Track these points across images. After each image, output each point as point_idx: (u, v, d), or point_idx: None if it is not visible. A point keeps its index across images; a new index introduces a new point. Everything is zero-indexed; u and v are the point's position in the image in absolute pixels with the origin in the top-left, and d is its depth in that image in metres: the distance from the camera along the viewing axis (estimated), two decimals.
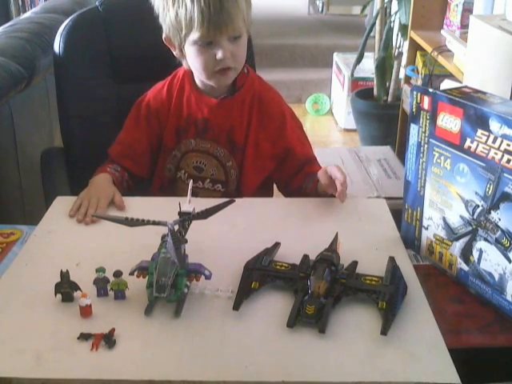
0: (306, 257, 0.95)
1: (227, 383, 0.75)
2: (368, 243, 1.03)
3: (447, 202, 0.96)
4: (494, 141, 0.85)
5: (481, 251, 0.93)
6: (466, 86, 0.99)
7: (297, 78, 3.90)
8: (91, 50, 1.45)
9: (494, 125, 0.85)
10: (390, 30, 2.91)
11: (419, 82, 2.41)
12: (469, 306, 0.95)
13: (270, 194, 1.41)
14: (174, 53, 1.25)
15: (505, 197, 0.86)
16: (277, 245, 0.99)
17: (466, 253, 0.95)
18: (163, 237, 0.90)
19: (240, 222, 1.10)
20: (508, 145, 0.84)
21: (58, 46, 1.42)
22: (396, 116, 2.69)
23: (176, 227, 0.89)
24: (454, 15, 2.27)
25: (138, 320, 0.85)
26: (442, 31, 2.19)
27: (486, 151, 0.87)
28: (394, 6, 2.95)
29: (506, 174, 0.85)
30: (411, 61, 2.54)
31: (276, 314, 0.85)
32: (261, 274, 0.92)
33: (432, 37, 2.28)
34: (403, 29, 2.76)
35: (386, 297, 0.86)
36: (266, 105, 1.29)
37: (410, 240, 1.06)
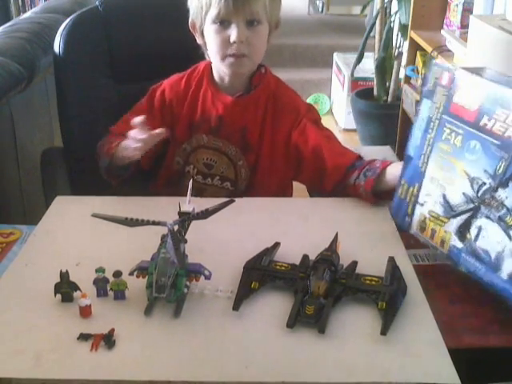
0: (305, 257, 0.95)
1: (227, 383, 0.75)
2: (368, 243, 1.03)
3: (450, 178, 0.96)
4: None
5: (480, 228, 0.92)
6: (486, 67, 0.99)
7: (297, 77, 3.89)
8: (91, 50, 1.45)
9: None
10: (390, 29, 2.91)
11: (419, 82, 2.41)
12: (469, 306, 0.95)
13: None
14: (198, 40, 1.26)
15: None
16: (277, 245, 0.99)
17: (464, 230, 0.94)
18: (163, 237, 0.90)
19: (240, 222, 1.10)
20: None
21: (58, 46, 1.42)
22: (396, 116, 2.69)
23: (176, 227, 0.89)
24: (454, 15, 2.27)
25: (137, 320, 0.85)
26: (442, 31, 2.19)
27: (503, 129, 0.87)
28: (394, 6, 2.95)
29: None
30: (411, 61, 2.54)
31: (276, 314, 0.85)
32: (261, 274, 0.91)
33: (432, 37, 2.29)
34: (403, 29, 2.76)
35: (386, 297, 0.86)
36: (281, 103, 1.28)
37: (401, 216, 1.05)
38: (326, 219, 1.12)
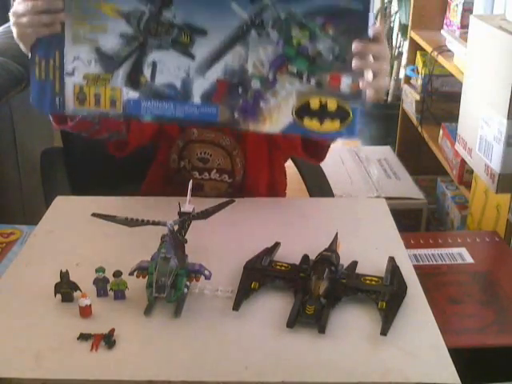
0: (305, 257, 0.95)
1: (227, 383, 0.75)
2: (368, 243, 1.03)
3: (100, 26, 0.86)
4: None
5: (154, 65, 0.86)
6: None
7: None
8: None
9: None
10: (390, 29, 2.91)
11: (419, 82, 2.42)
12: (469, 305, 0.95)
13: (281, 179, 1.37)
14: None
15: None
16: (277, 245, 0.99)
17: (135, 75, 0.87)
18: (163, 237, 0.90)
19: (240, 222, 1.10)
20: None
21: None
22: (396, 116, 2.69)
23: (176, 227, 0.89)
24: (454, 15, 2.27)
25: (137, 320, 0.85)
26: (442, 31, 2.19)
27: None
28: (394, 6, 2.95)
29: None
30: (411, 61, 2.54)
31: (276, 314, 0.85)
32: (261, 274, 0.92)
33: (432, 37, 2.29)
34: (403, 29, 2.77)
35: (386, 297, 0.86)
36: None
37: (47, 101, 0.90)
38: (326, 219, 1.12)
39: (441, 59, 2.07)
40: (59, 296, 0.88)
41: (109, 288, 0.88)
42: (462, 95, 1.66)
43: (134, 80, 0.87)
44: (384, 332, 0.81)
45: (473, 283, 1.06)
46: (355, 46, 0.89)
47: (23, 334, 0.82)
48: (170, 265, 0.84)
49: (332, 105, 0.90)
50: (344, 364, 0.77)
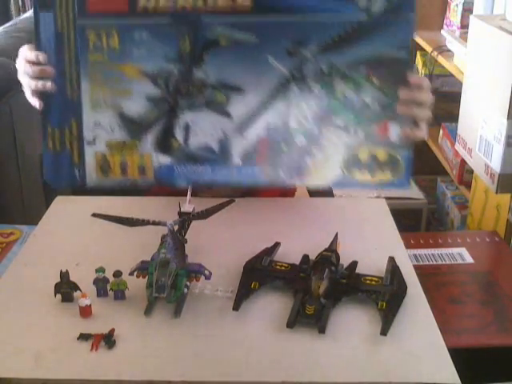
0: (305, 257, 0.95)
1: (227, 383, 0.75)
2: (368, 243, 1.03)
3: (124, 90, 0.81)
4: None
5: (187, 126, 0.80)
6: None
7: None
8: None
9: None
10: None
11: None
12: (469, 305, 0.95)
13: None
14: None
15: (209, 44, 0.76)
16: (277, 245, 0.99)
17: (166, 139, 0.82)
18: (163, 237, 0.90)
19: (240, 222, 1.10)
20: None
21: None
22: None
23: (176, 227, 0.89)
24: (454, 15, 2.27)
25: (137, 320, 0.85)
26: (442, 31, 2.19)
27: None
28: None
29: (205, 19, 0.75)
30: (411, 61, 2.54)
31: (276, 314, 0.85)
32: (261, 274, 0.92)
33: (432, 37, 2.29)
34: None
35: (386, 297, 0.86)
36: None
37: (64, 174, 0.85)
38: (326, 219, 1.12)
39: (441, 59, 2.07)
40: (59, 296, 0.88)
41: (109, 288, 0.88)
42: (462, 95, 1.66)
43: (164, 145, 0.82)
44: (384, 332, 0.81)
45: (473, 283, 1.06)
46: (401, 93, 0.87)
47: (23, 333, 0.82)
48: (170, 265, 0.84)
49: (381, 155, 0.87)
50: (344, 364, 0.77)
